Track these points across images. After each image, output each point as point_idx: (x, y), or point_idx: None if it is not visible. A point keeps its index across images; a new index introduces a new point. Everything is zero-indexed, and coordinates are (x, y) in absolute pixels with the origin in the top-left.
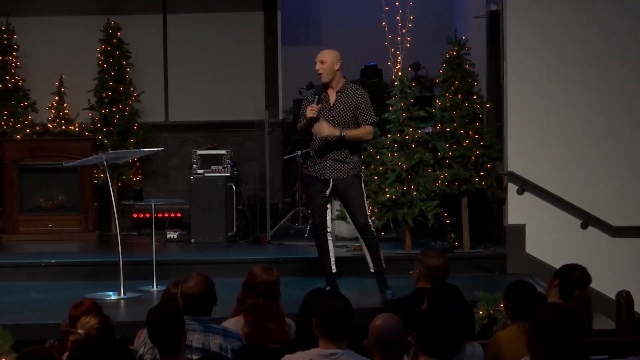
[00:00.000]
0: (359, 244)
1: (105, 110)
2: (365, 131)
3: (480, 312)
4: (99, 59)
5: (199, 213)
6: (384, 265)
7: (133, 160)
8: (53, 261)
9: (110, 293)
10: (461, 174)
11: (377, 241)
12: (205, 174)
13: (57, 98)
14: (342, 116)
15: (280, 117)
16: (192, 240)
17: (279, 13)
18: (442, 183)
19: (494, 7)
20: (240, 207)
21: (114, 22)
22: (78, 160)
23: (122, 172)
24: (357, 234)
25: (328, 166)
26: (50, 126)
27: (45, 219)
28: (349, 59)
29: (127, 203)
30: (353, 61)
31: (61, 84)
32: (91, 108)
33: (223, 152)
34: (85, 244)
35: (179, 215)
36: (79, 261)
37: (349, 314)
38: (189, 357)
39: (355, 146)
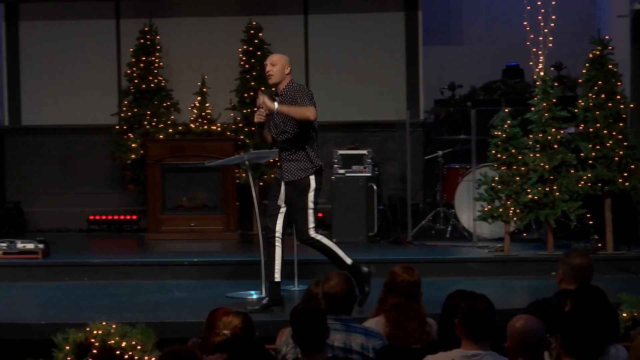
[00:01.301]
0: (500, 245)
1: (247, 110)
2: (300, 107)
3: (624, 315)
4: (241, 59)
5: (340, 213)
6: (349, 262)
7: (275, 160)
8: (195, 260)
9: (252, 292)
10: (604, 175)
11: (324, 246)
12: (347, 174)
13: (199, 98)
14: (286, 117)
15: (421, 117)
16: (334, 240)
17: (420, 13)
18: (585, 184)
19: (637, 7)
20: (381, 207)
21: (256, 23)
22: (220, 160)
23: (263, 171)
24: (501, 234)
25: (283, 168)
26: (193, 126)
27: (187, 218)
28: (490, 59)
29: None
30: (494, 61)
31: (203, 84)
32: (233, 108)
33: (364, 152)
34: (227, 243)
35: (319, 215)
36: (221, 260)
37: (491, 315)
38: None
39: (305, 145)
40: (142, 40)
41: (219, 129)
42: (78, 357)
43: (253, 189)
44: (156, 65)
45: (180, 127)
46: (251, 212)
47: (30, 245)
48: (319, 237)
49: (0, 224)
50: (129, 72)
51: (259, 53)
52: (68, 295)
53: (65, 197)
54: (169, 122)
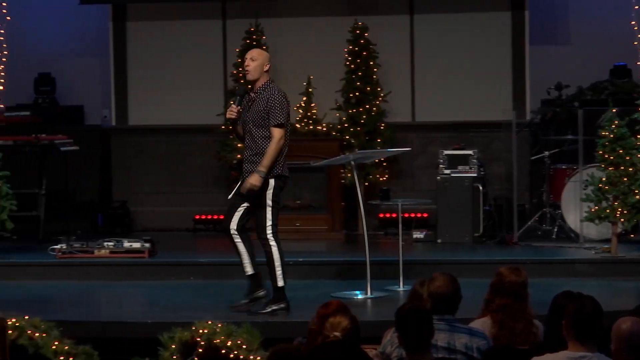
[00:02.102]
0: (607, 246)
1: (352, 111)
2: (271, 147)
3: None
4: (346, 60)
5: (446, 213)
6: (281, 283)
7: (380, 160)
8: (300, 260)
9: (357, 292)
10: None
11: (271, 256)
12: (452, 174)
13: (304, 98)
14: (255, 117)
15: (528, 117)
16: (439, 240)
17: (526, 13)
18: None
19: None
20: (487, 207)
21: (362, 23)
22: (326, 160)
23: (369, 172)
24: (608, 235)
25: (246, 169)
26: (298, 126)
27: (292, 217)
28: (598, 59)
29: (374, 203)
30: (602, 61)
31: (309, 84)
32: (338, 108)
33: (470, 152)
34: (332, 243)
35: (425, 215)
36: (326, 260)
37: (599, 317)
38: (434, 356)
39: (265, 146)
40: (248, 41)
41: (324, 129)
42: (184, 356)
43: (358, 189)
44: None
45: None
46: (356, 212)
47: (136, 245)
48: (274, 243)
49: (107, 224)
50: (234, 72)
51: (364, 53)
52: (174, 294)
53: (171, 197)
54: None
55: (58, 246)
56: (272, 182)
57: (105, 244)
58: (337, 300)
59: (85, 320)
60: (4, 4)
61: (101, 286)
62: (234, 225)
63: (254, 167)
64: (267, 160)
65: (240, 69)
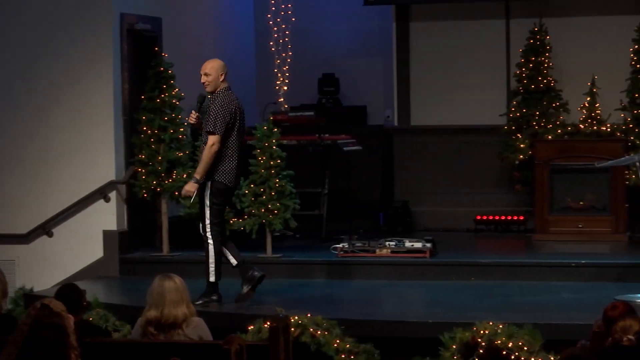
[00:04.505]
0: None
1: (637, 111)
2: (204, 153)
3: None
4: (632, 59)
5: None
6: (212, 279)
7: None
8: (583, 262)
9: None
10: None
11: (210, 254)
12: None
13: (588, 98)
14: (204, 124)
15: None
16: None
17: None
18: None
19: None
20: None
21: None
22: (610, 161)
23: None
24: None
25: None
26: (582, 127)
27: (574, 219)
28: None
29: None
30: None
31: (593, 84)
32: (623, 109)
33: None
34: (616, 244)
35: None
36: (609, 262)
37: None
38: None
39: (219, 152)
40: (531, 41)
41: (608, 129)
42: (464, 357)
43: None
44: (545, 65)
45: (569, 128)
46: None
47: (418, 245)
48: (210, 241)
49: (389, 223)
50: (518, 72)
51: None
52: (455, 294)
53: (453, 197)
54: (557, 123)
55: (340, 245)
56: (209, 184)
57: (387, 243)
58: (624, 302)
59: (367, 319)
60: (289, 5)
61: (382, 285)
62: (206, 229)
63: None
64: (200, 166)
65: (524, 69)
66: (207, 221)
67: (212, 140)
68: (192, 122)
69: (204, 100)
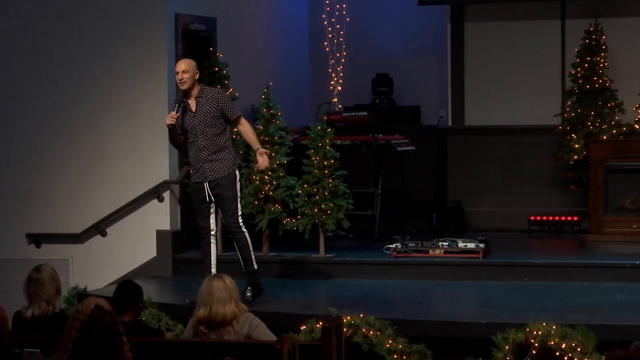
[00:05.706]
0: None
1: None
2: (250, 128)
3: None
4: None
5: None
6: (255, 267)
7: None
8: (637, 262)
9: None
10: None
11: (246, 242)
12: None
13: None
14: (206, 119)
15: None
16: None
17: None
18: None
19: None
20: None
21: None
22: None
23: None
24: None
25: (207, 169)
26: (637, 127)
27: (629, 219)
28: None
29: None
30: None
31: None
32: None
33: None
34: None
35: None
36: None
37: None
38: None
39: (226, 143)
40: (587, 40)
41: None
42: (517, 357)
43: None
44: (601, 65)
45: (624, 128)
46: None
47: (471, 245)
48: (245, 229)
49: (442, 223)
50: (573, 72)
51: None
52: (508, 295)
53: (507, 197)
54: (612, 123)
55: (393, 245)
56: (238, 174)
57: (440, 243)
58: None
59: (419, 320)
60: (344, 5)
61: (435, 285)
62: (212, 227)
63: (216, 165)
64: (257, 138)
65: (579, 69)
66: (240, 212)
67: (243, 119)
68: (172, 122)
69: (182, 102)
